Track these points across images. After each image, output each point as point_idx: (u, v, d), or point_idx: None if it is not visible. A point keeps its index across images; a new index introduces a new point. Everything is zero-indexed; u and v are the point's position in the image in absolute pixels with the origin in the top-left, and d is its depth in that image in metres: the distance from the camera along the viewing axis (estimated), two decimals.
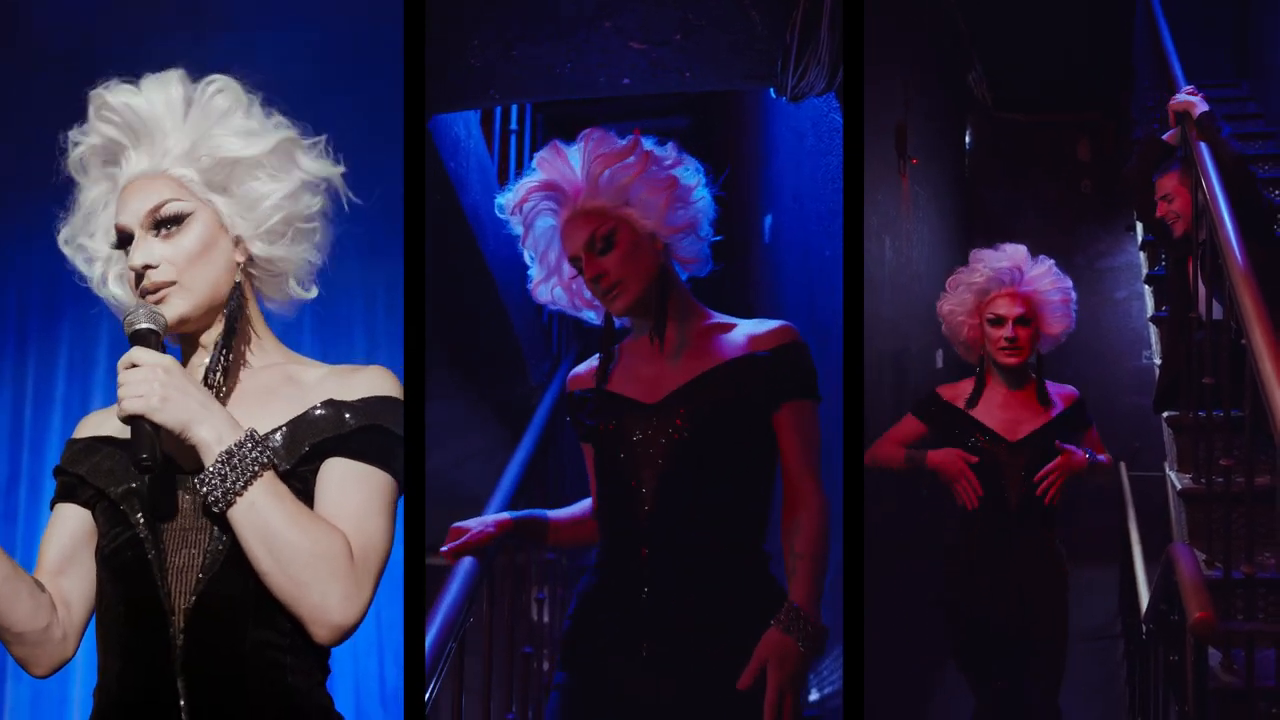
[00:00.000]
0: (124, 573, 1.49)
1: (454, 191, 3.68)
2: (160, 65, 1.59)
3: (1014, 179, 7.49)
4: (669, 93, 2.91)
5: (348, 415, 1.53)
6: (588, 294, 2.13)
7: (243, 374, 1.60)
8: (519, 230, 2.14)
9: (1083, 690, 4.17)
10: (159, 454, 1.40)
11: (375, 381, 1.57)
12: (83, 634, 1.60)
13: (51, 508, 1.62)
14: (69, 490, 1.60)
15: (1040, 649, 2.85)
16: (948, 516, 2.97)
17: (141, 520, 1.50)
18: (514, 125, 4.61)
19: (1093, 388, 3.07)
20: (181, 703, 1.44)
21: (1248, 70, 6.26)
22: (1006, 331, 2.85)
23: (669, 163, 2.07)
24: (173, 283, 1.51)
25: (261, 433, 1.46)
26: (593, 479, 2.14)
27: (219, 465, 1.40)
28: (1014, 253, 2.91)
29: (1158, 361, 4.51)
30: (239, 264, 1.57)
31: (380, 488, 1.52)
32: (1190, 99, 3.43)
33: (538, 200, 2.09)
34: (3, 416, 3.59)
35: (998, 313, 2.86)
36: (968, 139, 7.12)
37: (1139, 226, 5.45)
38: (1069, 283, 2.93)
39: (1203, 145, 3.17)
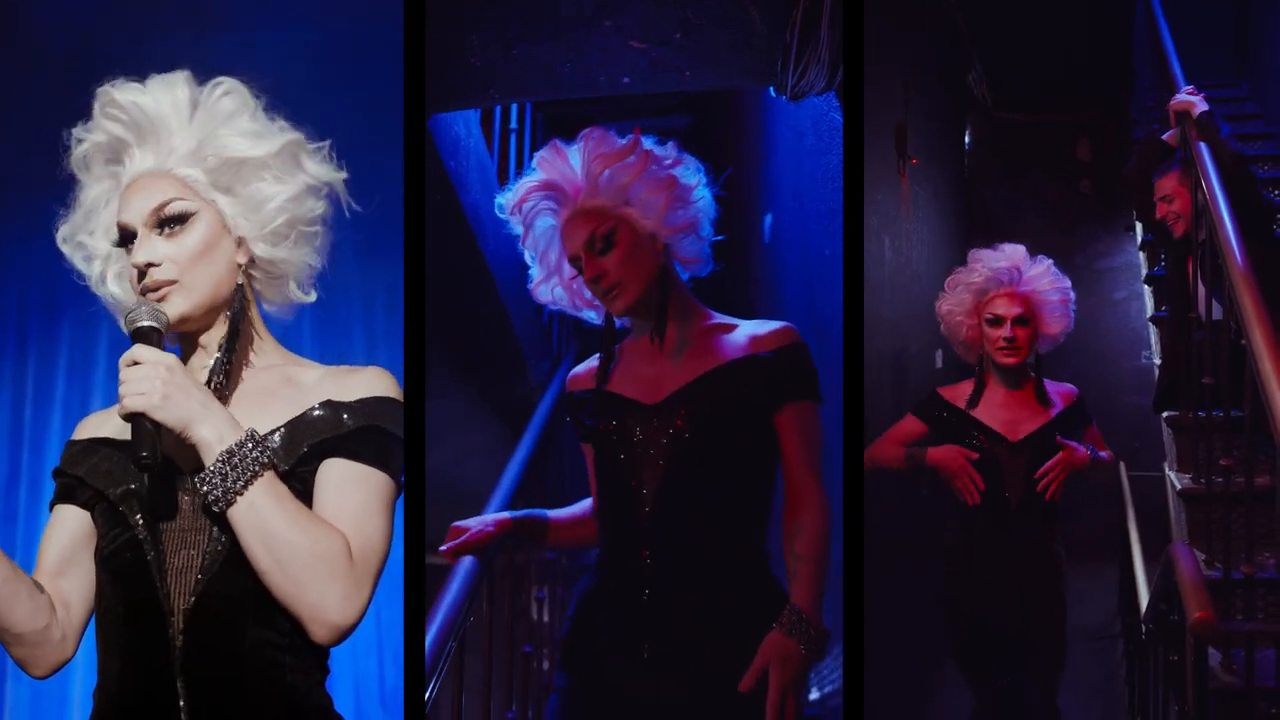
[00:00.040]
0: (123, 574, 1.50)
1: (454, 191, 3.68)
2: (161, 65, 1.59)
3: (1014, 179, 7.49)
4: (669, 92, 2.91)
5: (346, 416, 1.53)
6: (588, 294, 2.12)
7: (243, 375, 1.60)
8: (519, 230, 2.14)
9: (1082, 690, 4.17)
10: (159, 452, 1.41)
11: (373, 382, 1.57)
12: (82, 635, 1.60)
13: (50, 509, 1.62)
14: (68, 491, 1.60)
15: (1040, 649, 2.85)
16: (948, 516, 2.97)
17: (140, 521, 1.50)
18: (514, 124, 4.61)
19: (1092, 388, 3.07)
20: (181, 703, 1.44)
21: (1247, 70, 6.26)
22: (1005, 331, 2.85)
23: (669, 162, 2.07)
24: (174, 281, 1.51)
25: (260, 434, 1.46)
26: (593, 479, 2.14)
27: (219, 465, 1.40)
28: (1012, 253, 2.91)
29: (1157, 361, 4.51)
30: (240, 265, 1.58)
31: (378, 488, 1.52)
32: (1190, 99, 3.43)
33: (537, 200, 2.08)
34: (3, 416, 3.58)
35: (996, 313, 2.86)
36: (967, 139, 7.12)
37: (1139, 227, 5.46)
38: (1067, 283, 2.93)
39: (1202, 145, 3.17)
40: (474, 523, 2.19)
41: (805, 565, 1.93)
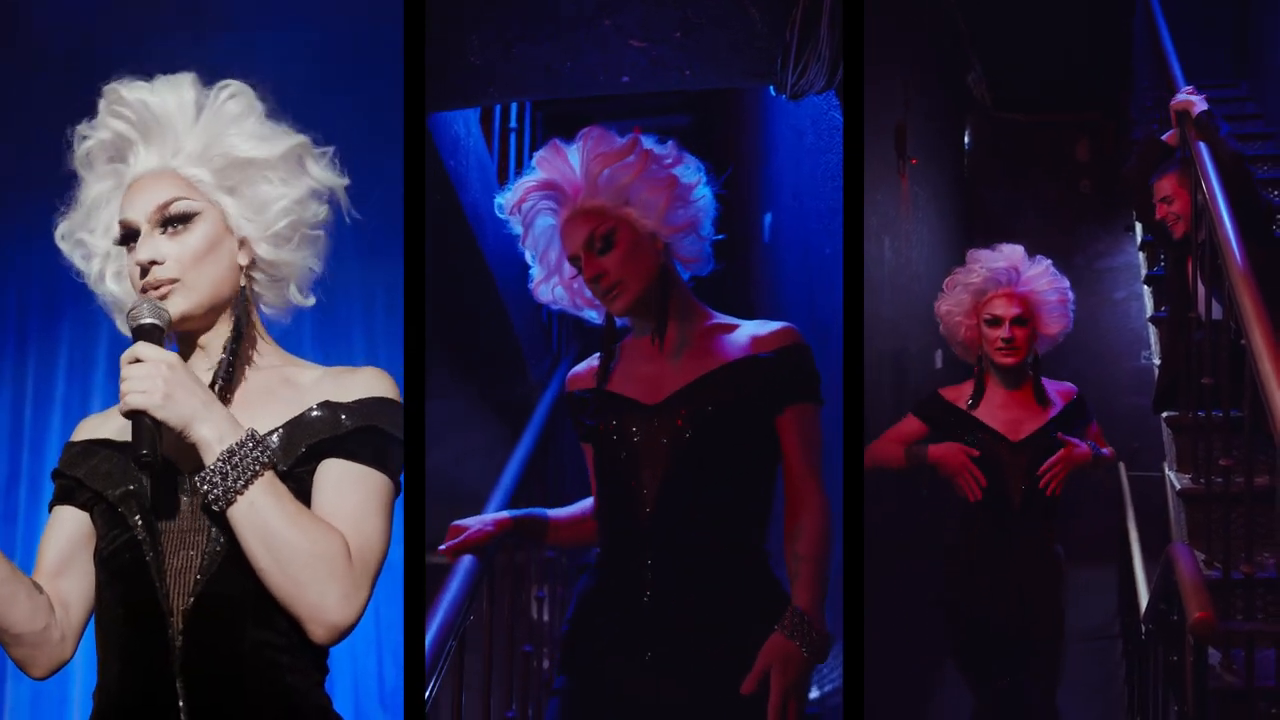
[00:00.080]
0: (122, 575, 1.50)
1: (453, 190, 3.68)
2: (161, 65, 1.59)
3: (1014, 179, 7.48)
4: (669, 91, 2.91)
5: (344, 417, 1.53)
6: (589, 293, 2.12)
7: (243, 375, 1.60)
8: (519, 230, 2.14)
9: (1081, 690, 4.17)
10: (159, 450, 1.41)
11: (371, 383, 1.57)
12: (81, 635, 1.60)
13: (50, 510, 1.62)
14: (67, 493, 1.60)
15: (1040, 649, 2.85)
16: (948, 516, 2.97)
17: (139, 522, 1.50)
18: (514, 123, 4.60)
19: (1091, 388, 3.07)
20: (180, 703, 1.44)
21: (1247, 70, 6.26)
22: (1003, 332, 2.85)
23: (669, 161, 2.06)
24: (176, 280, 1.52)
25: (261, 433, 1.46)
26: (593, 478, 2.14)
27: (220, 464, 1.40)
28: (1011, 253, 2.91)
29: (1156, 362, 4.51)
30: (242, 267, 1.58)
31: (377, 488, 1.52)
32: (1190, 98, 3.43)
33: (536, 200, 2.08)
34: (3, 416, 3.58)
35: (995, 313, 2.86)
36: (967, 139, 7.12)
37: (1138, 227, 5.46)
38: (1066, 283, 2.93)
39: (1201, 145, 3.17)
40: (474, 522, 2.19)
41: (807, 567, 1.92)
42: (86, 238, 1.61)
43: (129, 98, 1.54)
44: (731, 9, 2.57)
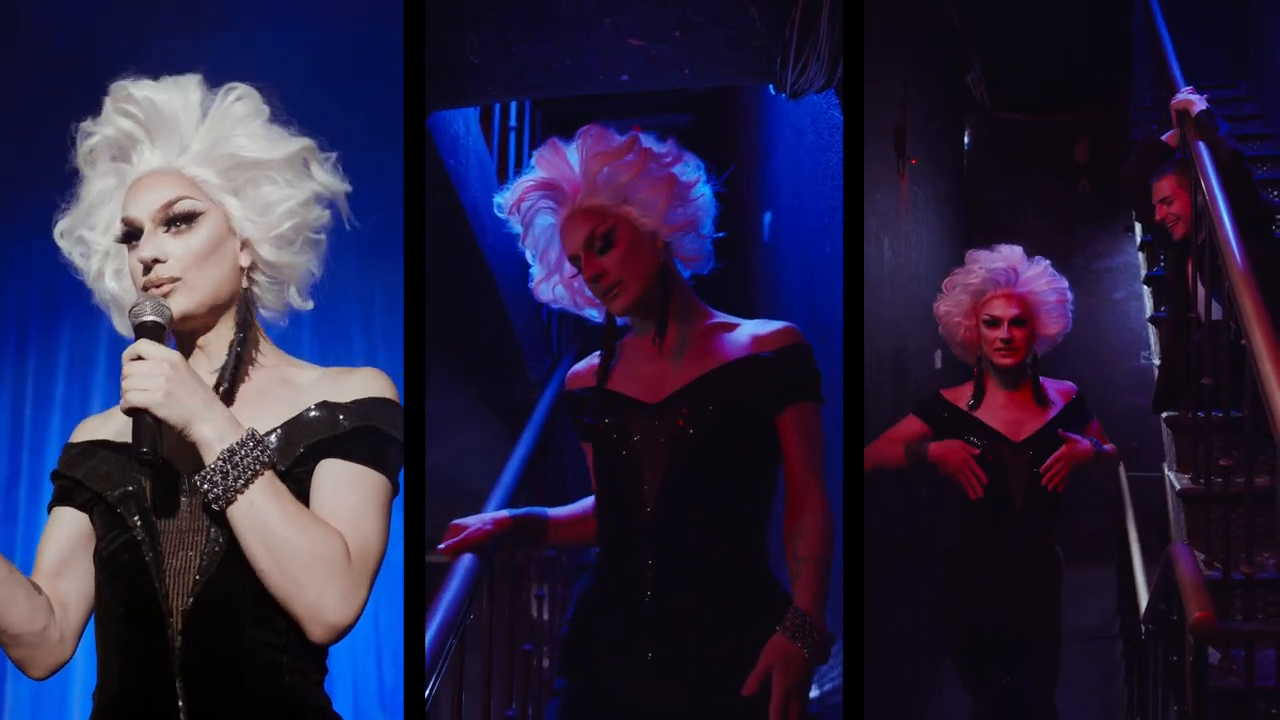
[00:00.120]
0: (122, 575, 1.50)
1: (453, 189, 3.68)
2: (160, 65, 1.60)
3: (1013, 179, 7.49)
4: (669, 90, 2.91)
5: (341, 417, 1.53)
6: (589, 292, 2.11)
7: (246, 376, 1.60)
8: (518, 229, 2.14)
9: (1080, 690, 4.17)
10: (160, 449, 1.41)
11: (368, 383, 1.57)
12: (80, 636, 1.60)
13: (49, 511, 1.62)
14: (66, 494, 1.60)
15: (1039, 649, 2.85)
16: (948, 517, 2.97)
17: (138, 523, 1.50)
18: (513, 122, 4.61)
19: (1091, 388, 3.07)
20: (180, 703, 1.44)
21: (1246, 70, 6.26)
22: (1002, 333, 2.84)
23: (668, 160, 2.05)
24: (178, 279, 1.52)
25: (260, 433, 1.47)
26: (594, 478, 2.13)
27: (220, 463, 1.40)
28: (1009, 253, 2.91)
29: (1156, 362, 4.51)
30: (243, 269, 1.58)
31: (375, 488, 1.53)
32: (1190, 97, 3.43)
33: (535, 199, 2.08)
34: (3, 417, 3.58)
35: (993, 314, 2.86)
36: (967, 139, 7.13)
37: (1138, 227, 5.46)
38: (1065, 283, 2.92)
39: (1201, 145, 3.17)
40: (473, 521, 2.19)
41: (808, 568, 1.92)
42: (87, 234, 1.61)
43: (137, 95, 1.54)
44: (731, 8, 2.56)
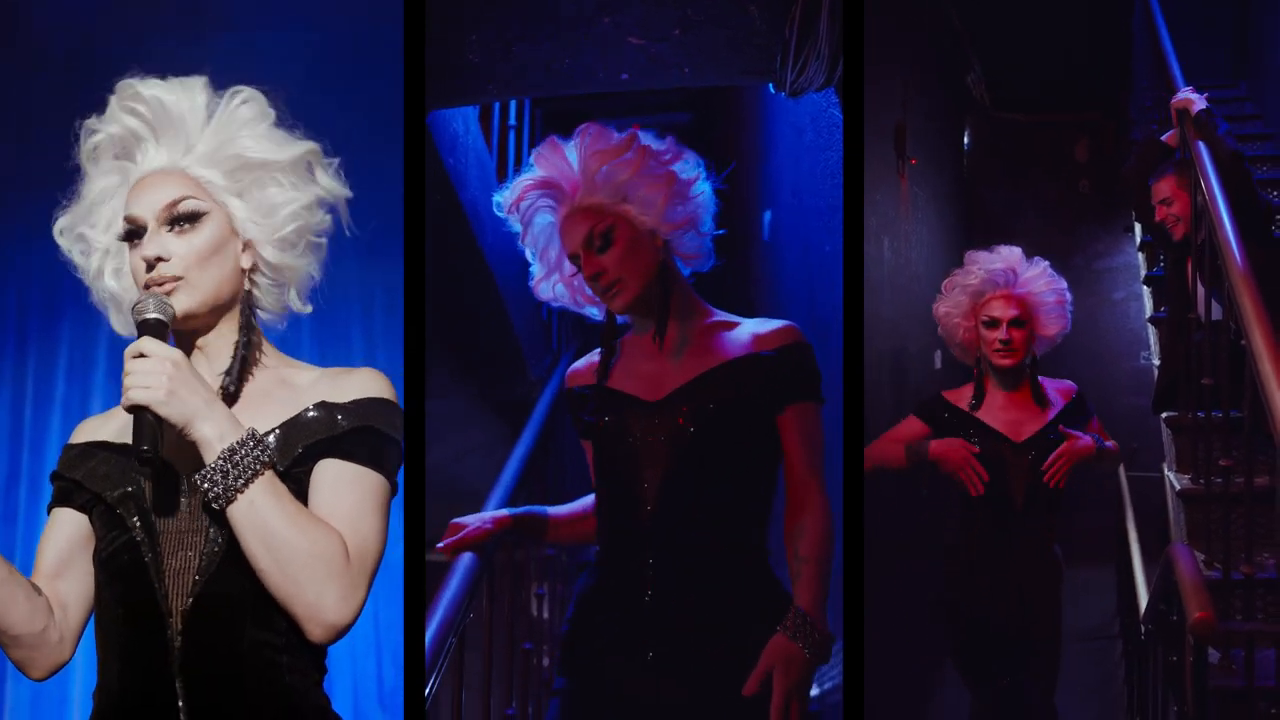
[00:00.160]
0: (121, 576, 1.50)
1: (452, 188, 3.68)
2: (160, 65, 1.60)
3: (1013, 179, 7.49)
4: (668, 88, 2.91)
5: (340, 417, 1.53)
6: (589, 290, 2.11)
7: (250, 377, 1.60)
8: (518, 228, 2.14)
9: (1080, 690, 4.17)
10: (160, 447, 1.41)
11: (367, 383, 1.58)
12: (79, 637, 1.60)
13: (49, 512, 1.62)
14: (65, 495, 1.60)
15: (1039, 649, 2.85)
16: (948, 516, 2.97)
17: (138, 523, 1.50)
18: (513, 121, 4.60)
19: (1090, 388, 3.07)
20: (180, 703, 1.44)
21: (1246, 70, 6.26)
22: (1001, 334, 2.84)
23: (667, 157, 2.05)
24: (180, 278, 1.52)
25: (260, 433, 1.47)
26: (594, 476, 2.13)
27: (220, 463, 1.40)
28: (1008, 254, 2.90)
29: (1156, 362, 4.51)
30: (245, 270, 1.58)
31: (373, 488, 1.53)
32: (1190, 96, 3.43)
33: (535, 198, 2.07)
34: (3, 417, 3.58)
35: (992, 315, 2.86)
36: (967, 139, 7.13)
37: (1138, 227, 5.46)
38: (1064, 284, 2.92)
39: (1201, 145, 3.17)
40: (473, 519, 2.19)
41: (809, 567, 1.92)
42: (87, 232, 1.61)
43: (145, 94, 1.54)
44: (730, 7, 2.57)
